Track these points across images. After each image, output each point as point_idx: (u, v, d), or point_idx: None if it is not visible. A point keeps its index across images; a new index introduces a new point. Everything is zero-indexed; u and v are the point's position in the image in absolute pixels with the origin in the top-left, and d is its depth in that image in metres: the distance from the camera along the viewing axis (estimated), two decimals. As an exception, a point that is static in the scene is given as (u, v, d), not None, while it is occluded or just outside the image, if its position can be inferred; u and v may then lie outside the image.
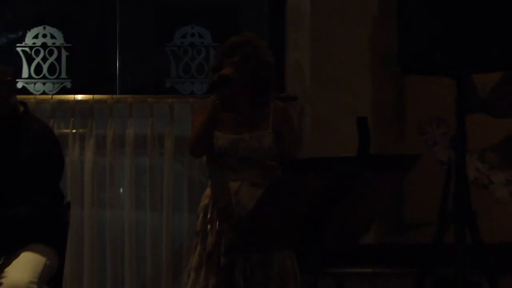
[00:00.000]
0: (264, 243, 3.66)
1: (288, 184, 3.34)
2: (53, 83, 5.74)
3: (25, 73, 5.75)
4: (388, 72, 5.16)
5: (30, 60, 5.76)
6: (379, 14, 5.27)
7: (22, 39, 5.79)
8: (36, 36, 5.77)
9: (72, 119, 5.38)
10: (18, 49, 5.78)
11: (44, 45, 5.77)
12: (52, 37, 5.77)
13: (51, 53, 5.76)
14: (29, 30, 5.78)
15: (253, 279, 4.13)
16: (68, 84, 5.76)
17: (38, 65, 5.75)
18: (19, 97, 5.01)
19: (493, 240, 4.44)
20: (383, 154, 4.87)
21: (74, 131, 5.39)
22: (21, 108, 4.64)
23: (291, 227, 3.44)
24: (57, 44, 5.77)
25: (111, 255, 5.40)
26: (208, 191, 4.31)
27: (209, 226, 4.20)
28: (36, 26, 5.78)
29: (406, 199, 5.24)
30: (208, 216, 4.22)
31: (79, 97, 5.40)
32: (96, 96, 5.40)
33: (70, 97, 5.42)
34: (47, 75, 5.75)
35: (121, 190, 5.49)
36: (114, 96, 5.50)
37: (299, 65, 5.45)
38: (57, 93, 5.64)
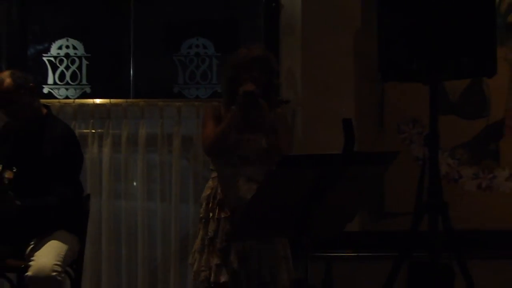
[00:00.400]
0: (261, 230, 3.69)
1: (282, 178, 3.37)
2: (75, 89, 5.74)
3: (50, 80, 5.74)
4: (370, 79, 5.13)
5: (54, 69, 5.75)
6: (362, 27, 5.27)
7: (48, 50, 5.78)
8: (60, 47, 5.77)
9: (92, 121, 5.40)
10: (44, 58, 5.77)
11: (67, 55, 5.76)
12: (74, 48, 5.76)
13: (73, 62, 5.75)
14: (54, 42, 5.77)
15: (248, 263, 4.13)
16: (88, 90, 5.75)
17: (62, 73, 5.75)
18: (46, 101, 5.06)
19: (462, 228, 4.43)
20: (365, 151, 4.91)
21: (93, 131, 5.41)
22: (44, 111, 4.67)
23: (285, 216, 3.47)
24: (79, 54, 5.76)
25: (125, 241, 5.41)
26: (210, 182, 4.31)
27: (211, 214, 4.20)
28: (60, 38, 5.77)
29: (386, 191, 5.24)
30: (210, 205, 4.21)
31: (98, 101, 5.42)
32: (113, 100, 5.42)
33: (90, 101, 5.44)
34: (69, 81, 5.74)
35: (134, 183, 5.48)
36: (128, 100, 5.50)
37: (292, 72, 5.44)
38: (78, 98, 5.64)
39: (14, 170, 4.24)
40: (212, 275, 4.13)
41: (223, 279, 4.09)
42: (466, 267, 4.17)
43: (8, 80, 4.46)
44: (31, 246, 4.43)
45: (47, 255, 4.32)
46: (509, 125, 5.31)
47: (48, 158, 4.49)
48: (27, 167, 4.41)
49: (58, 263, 4.30)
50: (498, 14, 5.03)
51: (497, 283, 5.01)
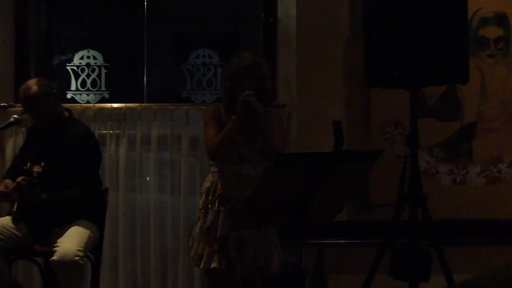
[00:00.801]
0: (259, 220, 3.72)
1: (278, 173, 3.40)
2: (95, 94, 5.75)
3: (73, 87, 5.75)
4: (357, 85, 5.16)
5: (77, 76, 5.76)
6: (350, 39, 5.27)
7: (71, 60, 5.79)
8: (82, 58, 5.78)
9: (109, 123, 5.41)
10: (68, 67, 5.78)
11: (88, 65, 5.77)
12: (94, 58, 5.77)
13: (93, 71, 5.76)
14: (76, 53, 5.79)
15: (244, 251, 4.12)
16: (106, 95, 5.76)
17: (83, 80, 5.76)
18: (69, 105, 5.10)
19: (439, 218, 4.43)
20: (353, 150, 4.92)
21: (111, 132, 5.41)
22: (67, 114, 4.71)
23: (281, 207, 3.49)
24: (98, 63, 5.77)
25: (139, 229, 5.42)
26: (210, 176, 4.28)
27: (210, 205, 4.19)
28: (82, 49, 5.79)
29: (371, 185, 5.24)
30: (210, 197, 4.20)
31: (115, 105, 5.43)
32: (128, 104, 5.42)
33: (108, 105, 5.45)
34: (90, 88, 5.76)
35: (147, 178, 5.48)
36: (142, 104, 5.49)
37: (288, 80, 5.43)
38: (97, 102, 5.65)
39: (42, 165, 4.28)
40: (202, 262, 4.13)
41: (213, 265, 4.07)
42: (442, 253, 4.17)
43: (35, 87, 4.51)
44: (56, 233, 4.46)
45: (71, 242, 4.35)
46: (480, 127, 5.31)
47: (70, 156, 4.53)
48: (52, 164, 4.45)
49: (81, 248, 4.33)
50: (470, 28, 5.04)
51: (470, 266, 5.03)
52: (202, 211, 4.24)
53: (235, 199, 4.10)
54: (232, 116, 4.09)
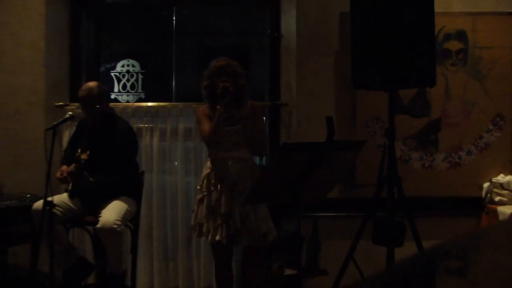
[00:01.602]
0: (267, 196, 3.75)
1: (282, 159, 3.43)
2: (133, 95, 5.77)
3: (116, 89, 5.77)
4: (345, 88, 5.17)
5: (119, 81, 5.78)
6: (339, 50, 5.27)
7: (114, 67, 5.81)
8: (123, 66, 5.79)
9: (145, 118, 5.41)
10: (112, 74, 5.80)
11: (127, 71, 5.78)
12: (133, 66, 5.78)
13: (132, 76, 5.78)
14: (118, 62, 5.80)
15: (247, 222, 4.09)
16: (142, 96, 5.77)
17: (124, 84, 5.78)
18: (113, 104, 5.13)
19: (411, 195, 4.39)
20: (342, 140, 4.94)
21: (146, 125, 5.41)
22: (110, 111, 4.74)
23: (284, 186, 3.52)
24: (136, 70, 5.78)
25: (169, 204, 5.43)
26: (208, 163, 4.24)
27: (212, 188, 4.13)
28: (123, 59, 5.80)
29: (357, 168, 5.25)
30: (212, 181, 4.14)
31: (149, 104, 5.43)
32: (160, 103, 5.43)
33: (144, 104, 5.45)
34: (129, 90, 5.77)
35: (175, 163, 5.47)
36: (171, 103, 5.49)
37: (289, 83, 5.43)
38: (135, 102, 5.67)
39: (88, 153, 4.33)
40: (210, 236, 4.09)
41: (217, 238, 4.04)
42: (414, 223, 4.19)
43: (96, 90, 4.54)
44: (102, 207, 4.51)
45: (111, 213, 4.41)
46: (445, 122, 5.32)
47: (116, 146, 4.57)
48: (100, 152, 4.50)
49: (119, 218, 4.38)
50: (436, 42, 5.06)
51: (436, 235, 5.05)
52: (205, 193, 4.16)
53: (234, 181, 4.07)
54: (217, 107, 4.07)
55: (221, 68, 4.20)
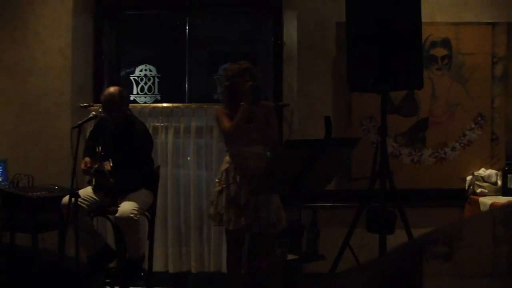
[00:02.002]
0: (271, 188, 3.75)
1: (285, 154, 3.43)
2: (150, 97, 5.76)
3: (134, 91, 5.76)
4: (342, 90, 5.15)
5: (137, 84, 5.78)
6: (336, 56, 5.25)
7: (133, 72, 5.81)
8: (141, 70, 5.79)
9: (161, 117, 5.41)
10: (131, 77, 5.80)
11: (145, 75, 5.78)
12: (150, 70, 5.77)
13: (149, 80, 5.77)
14: (137, 67, 5.80)
15: (260, 212, 4.10)
16: (158, 97, 5.76)
17: (142, 87, 5.77)
18: (132, 105, 5.12)
19: (401, 188, 4.41)
20: (339, 137, 4.95)
21: (162, 124, 5.41)
22: (128, 112, 4.74)
23: (286, 179, 3.52)
24: (153, 74, 5.77)
25: (183, 196, 5.42)
26: (227, 158, 4.22)
27: (231, 180, 4.11)
28: (141, 64, 5.80)
29: (353, 163, 5.23)
30: (232, 174, 4.12)
31: (165, 104, 5.43)
32: (174, 104, 5.42)
33: (160, 105, 5.45)
34: (147, 92, 5.76)
35: (188, 158, 5.46)
36: (184, 104, 5.49)
37: (291, 86, 5.43)
38: (152, 103, 5.66)
39: (111, 164, 4.38)
40: (232, 224, 4.08)
41: (241, 225, 4.06)
42: (404, 213, 4.19)
43: (117, 95, 4.53)
44: (122, 198, 4.53)
45: (129, 204, 4.43)
46: (431, 121, 5.30)
47: (135, 145, 4.58)
48: (118, 150, 4.50)
49: (136, 208, 4.40)
50: (423, 49, 5.04)
51: (424, 223, 5.04)
52: (224, 185, 4.13)
53: (252, 174, 4.06)
54: (241, 103, 4.05)
55: (245, 69, 4.18)
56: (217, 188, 4.20)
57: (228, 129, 4.12)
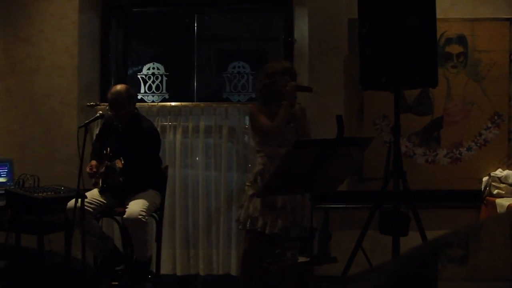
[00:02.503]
0: (282, 189, 3.73)
1: (296, 154, 3.41)
2: (158, 96, 5.77)
3: (142, 90, 5.78)
4: (354, 88, 5.13)
5: (145, 83, 5.78)
6: (348, 53, 5.25)
7: (141, 70, 5.82)
8: (148, 69, 5.79)
9: (169, 117, 5.42)
10: (139, 76, 5.81)
11: (153, 74, 5.79)
12: (158, 69, 5.78)
13: (157, 78, 5.78)
14: (145, 65, 5.81)
15: (295, 212, 4.11)
16: (166, 96, 5.76)
17: (150, 85, 5.78)
18: (139, 104, 5.13)
19: (415, 188, 4.40)
20: (351, 136, 4.92)
21: (170, 123, 5.42)
22: (135, 111, 4.75)
23: (298, 179, 3.51)
24: (160, 73, 5.78)
25: (191, 196, 5.42)
26: (260, 160, 4.19)
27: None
28: (148, 63, 5.81)
29: (365, 163, 5.22)
30: (267, 177, 4.01)
31: (173, 103, 5.44)
32: (183, 103, 5.43)
33: (168, 104, 5.46)
34: (154, 91, 5.77)
35: (197, 158, 5.47)
36: (193, 103, 5.50)
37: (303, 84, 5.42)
38: (160, 102, 5.66)
39: (122, 162, 4.37)
40: (268, 227, 4.05)
41: (277, 228, 4.04)
42: (418, 214, 4.18)
43: (124, 94, 4.54)
44: (129, 199, 4.53)
45: (137, 205, 4.43)
46: (446, 120, 5.28)
47: (139, 144, 4.58)
48: (126, 149, 4.50)
49: (144, 209, 4.40)
50: (438, 46, 5.02)
51: (438, 225, 5.02)
52: (256, 188, 4.08)
53: None
54: (283, 102, 4.06)
55: (286, 69, 4.21)
56: (250, 192, 4.15)
57: (271, 127, 4.11)
